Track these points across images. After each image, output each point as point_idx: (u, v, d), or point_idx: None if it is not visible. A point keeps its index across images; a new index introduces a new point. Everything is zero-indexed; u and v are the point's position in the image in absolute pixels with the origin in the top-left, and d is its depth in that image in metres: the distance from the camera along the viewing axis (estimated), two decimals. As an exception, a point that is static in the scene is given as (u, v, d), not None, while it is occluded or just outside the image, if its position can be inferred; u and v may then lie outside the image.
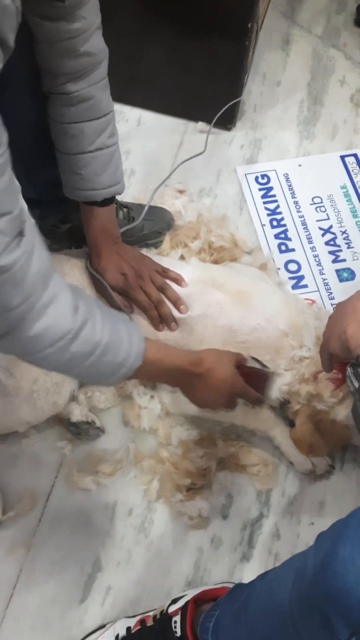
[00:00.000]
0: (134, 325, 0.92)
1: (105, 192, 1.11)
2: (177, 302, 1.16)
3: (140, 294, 1.16)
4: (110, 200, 1.15)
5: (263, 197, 1.57)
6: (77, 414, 1.18)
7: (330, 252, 1.48)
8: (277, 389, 1.09)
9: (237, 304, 1.15)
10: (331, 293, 1.41)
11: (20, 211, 0.70)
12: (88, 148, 1.05)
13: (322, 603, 0.67)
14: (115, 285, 1.16)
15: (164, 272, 1.20)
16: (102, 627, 1.03)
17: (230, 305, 1.15)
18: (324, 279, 1.43)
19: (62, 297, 0.77)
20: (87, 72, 1.00)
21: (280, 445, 1.19)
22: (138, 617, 1.01)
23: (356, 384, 0.90)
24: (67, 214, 1.29)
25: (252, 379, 1.02)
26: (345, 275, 1.44)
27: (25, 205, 0.72)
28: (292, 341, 1.12)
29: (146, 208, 1.33)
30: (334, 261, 1.47)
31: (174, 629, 0.93)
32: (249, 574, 1.11)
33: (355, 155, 1.66)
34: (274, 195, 1.58)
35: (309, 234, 1.51)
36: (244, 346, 1.11)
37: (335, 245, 1.49)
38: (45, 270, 0.75)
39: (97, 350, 0.81)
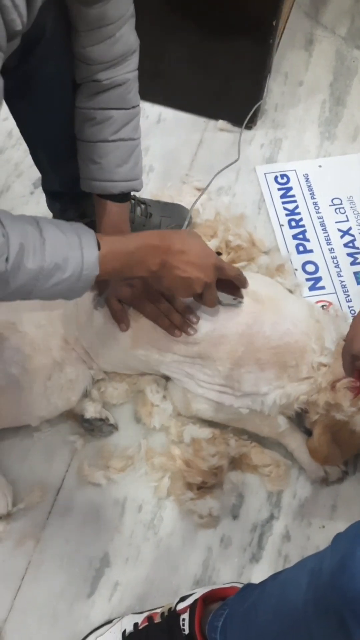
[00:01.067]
0: (84, 230, 0.85)
1: (122, 185, 1.08)
2: (185, 312, 1.08)
3: (147, 305, 1.09)
4: (126, 197, 1.11)
5: (282, 197, 1.56)
6: (91, 410, 1.18)
7: (349, 254, 1.47)
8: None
9: (269, 310, 1.11)
10: (348, 295, 1.40)
11: None
12: (111, 137, 1.04)
13: (338, 605, 0.66)
14: (122, 296, 1.10)
15: None
16: (109, 622, 1.03)
17: (263, 313, 1.11)
18: (342, 281, 1.42)
19: None
20: (120, 61, 1.01)
21: (294, 451, 1.18)
22: (145, 614, 1.00)
23: None
24: (85, 209, 1.29)
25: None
26: (363, 277, 1.43)
27: None
28: (315, 345, 1.09)
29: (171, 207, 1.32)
30: (353, 263, 1.45)
31: (182, 627, 0.92)
32: (258, 575, 1.10)
33: (376, 157, 1.64)
34: (293, 196, 1.57)
35: (328, 236, 1.50)
36: (275, 352, 1.08)
37: (354, 247, 1.48)
38: None
39: (42, 274, 0.78)
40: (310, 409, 1.10)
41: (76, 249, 0.82)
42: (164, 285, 0.98)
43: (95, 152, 1.06)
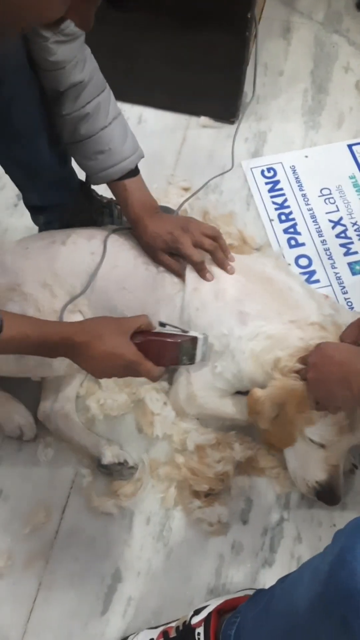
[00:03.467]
0: None
1: (134, 158, 1.13)
2: (227, 251, 1.16)
3: (190, 248, 1.12)
4: (137, 170, 1.16)
5: (270, 191, 1.54)
6: (109, 455, 1.13)
7: (342, 245, 1.45)
8: (203, 351, 0.98)
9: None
10: (344, 287, 1.38)
11: None
12: (107, 121, 1.08)
13: (339, 602, 0.64)
14: (163, 246, 1.14)
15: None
16: (124, 638, 1.02)
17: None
18: (336, 273, 1.40)
19: None
20: (87, 53, 1.04)
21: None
22: (161, 629, 0.99)
23: None
24: (70, 218, 1.27)
25: (158, 348, 0.92)
26: (358, 268, 1.41)
27: None
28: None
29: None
30: (346, 254, 1.43)
31: (197, 641, 0.91)
32: (272, 579, 1.07)
33: (362, 144, 1.62)
34: (281, 189, 1.54)
35: (319, 227, 1.47)
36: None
37: (346, 237, 1.46)
38: None
39: None
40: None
41: None
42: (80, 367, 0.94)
43: (100, 142, 1.09)
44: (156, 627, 1.01)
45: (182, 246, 1.12)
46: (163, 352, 0.92)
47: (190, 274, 1.14)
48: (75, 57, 1.01)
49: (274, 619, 0.80)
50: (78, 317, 1.15)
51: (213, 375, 1.13)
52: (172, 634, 0.95)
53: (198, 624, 0.93)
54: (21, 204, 1.49)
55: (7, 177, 1.21)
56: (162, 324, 0.97)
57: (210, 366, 1.13)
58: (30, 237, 1.27)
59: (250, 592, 1.00)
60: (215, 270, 1.15)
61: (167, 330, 0.95)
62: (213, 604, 0.96)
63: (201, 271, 1.14)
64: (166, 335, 0.93)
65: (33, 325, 0.89)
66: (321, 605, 0.68)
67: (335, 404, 0.96)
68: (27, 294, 1.13)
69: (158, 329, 0.95)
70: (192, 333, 0.95)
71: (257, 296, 1.12)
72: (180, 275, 1.15)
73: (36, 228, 1.34)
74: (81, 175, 1.28)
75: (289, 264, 1.41)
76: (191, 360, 0.95)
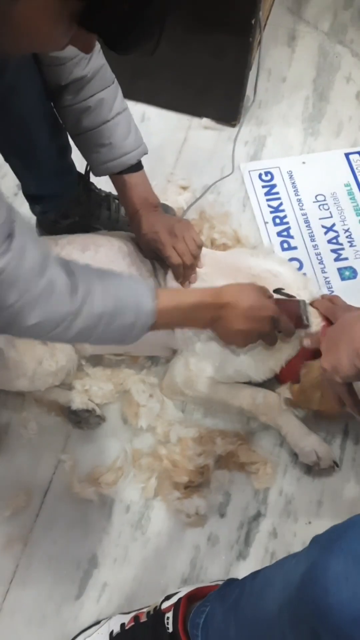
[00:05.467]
0: (143, 283, 0.93)
1: (136, 154, 1.14)
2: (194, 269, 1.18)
3: (170, 249, 1.14)
4: (140, 165, 1.17)
5: (266, 194, 1.56)
6: (78, 401, 1.18)
7: (333, 251, 1.47)
8: (310, 316, 1.09)
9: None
10: (333, 292, 1.40)
11: (7, 213, 0.70)
12: (110, 115, 1.09)
13: (310, 617, 0.64)
14: (147, 246, 1.17)
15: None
16: (97, 623, 1.03)
17: None
18: (326, 277, 1.42)
19: (58, 281, 0.77)
20: (90, 55, 1.05)
21: (287, 435, 1.18)
22: (132, 614, 1.01)
23: None
24: (67, 209, 1.29)
25: (286, 308, 1.02)
26: (347, 273, 1.43)
27: (11, 206, 0.72)
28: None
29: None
30: (336, 259, 1.46)
31: (166, 625, 0.93)
32: (244, 572, 1.08)
33: (360, 153, 1.65)
34: (277, 193, 1.57)
35: (312, 232, 1.50)
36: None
37: (337, 243, 1.48)
38: (41, 261, 0.75)
39: (103, 320, 0.82)
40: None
41: (137, 298, 0.87)
42: (221, 337, 1.03)
43: (101, 135, 1.10)
44: (128, 613, 1.02)
45: (162, 247, 1.14)
46: (290, 311, 1.05)
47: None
48: (77, 55, 1.02)
49: (243, 615, 0.81)
50: None
51: (212, 362, 1.16)
52: (143, 619, 0.97)
53: (168, 609, 0.94)
54: (21, 193, 1.50)
55: (7, 166, 1.23)
56: (277, 291, 1.08)
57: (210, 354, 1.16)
58: None
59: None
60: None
61: (276, 296, 1.06)
62: (184, 591, 0.98)
63: (177, 275, 1.16)
64: (285, 298, 1.05)
65: (182, 294, 0.97)
66: (291, 613, 0.68)
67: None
68: None
69: (275, 295, 1.07)
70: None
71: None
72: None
73: (34, 218, 1.36)
74: (80, 167, 1.30)
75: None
76: (307, 320, 1.06)
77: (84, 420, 1.19)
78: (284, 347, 1.13)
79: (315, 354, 1.08)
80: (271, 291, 1.08)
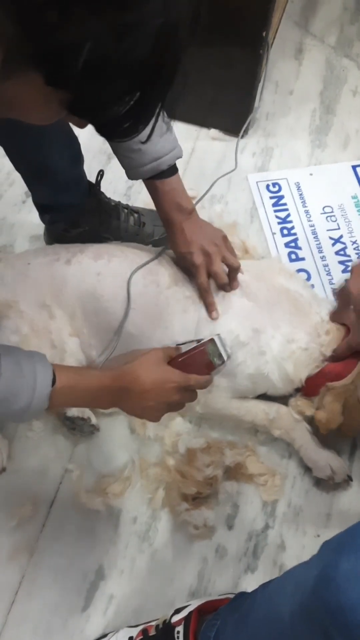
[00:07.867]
0: (43, 365, 0.84)
1: (168, 158, 1.09)
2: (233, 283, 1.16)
3: (202, 276, 1.13)
4: (174, 169, 1.13)
5: (274, 205, 1.57)
6: (74, 409, 1.16)
7: (340, 262, 1.47)
8: (224, 348, 1.00)
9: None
10: (341, 303, 1.40)
11: None
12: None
13: (322, 617, 0.64)
14: (183, 263, 1.15)
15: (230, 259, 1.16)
16: (104, 636, 1.02)
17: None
18: (334, 289, 1.42)
19: None
20: None
21: (300, 449, 1.17)
22: (140, 627, 0.99)
23: None
24: (77, 218, 1.29)
25: (193, 362, 0.95)
26: (356, 285, 1.43)
27: None
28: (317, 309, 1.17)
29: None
30: (344, 271, 1.46)
31: (176, 639, 0.91)
32: (253, 585, 1.08)
33: (366, 165, 1.65)
34: (284, 204, 1.57)
35: (319, 244, 1.50)
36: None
37: (345, 255, 1.49)
38: None
39: None
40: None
41: (30, 383, 0.81)
42: (130, 414, 0.96)
43: (131, 142, 1.06)
44: (136, 626, 1.01)
45: (196, 271, 1.13)
46: (198, 363, 0.95)
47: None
48: None
49: (254, 626, 0.80)
50: (76, 341, 1.15)
51: (230, 381, 1.16)
52: (152, 632, 0.96)
53: (178, 623, 0.93)
54: (29, 200, 1.52)
55: (16, 173, 1.23)
56: (179, 344, 1.01)
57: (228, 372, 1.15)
58: (33, 251, 1.25)
59: (232, 596, 1.01)
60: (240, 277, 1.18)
61: (185, 347, 0.98)
62: (194, 604, 0.97)
63: (207, 303, 1.14)
64: (189, 350, 0.97)
65: (81, 376, 0.89)
66: (304, 617, 0.68)
67: None
68: (24, 312, 1.11)
69: (182, 348, 0.98)
70: (205, 338, 0.98)
71: (277, 306, 1.16)
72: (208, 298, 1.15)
73: (43, 225, 1.37)
74: (91, 176, 1.31)
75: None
76: (220, 358, 0.98)
77: (78, 428, 1.18)
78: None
79: (338, 374, 1.11)
80: (175, 345, 1.01)
